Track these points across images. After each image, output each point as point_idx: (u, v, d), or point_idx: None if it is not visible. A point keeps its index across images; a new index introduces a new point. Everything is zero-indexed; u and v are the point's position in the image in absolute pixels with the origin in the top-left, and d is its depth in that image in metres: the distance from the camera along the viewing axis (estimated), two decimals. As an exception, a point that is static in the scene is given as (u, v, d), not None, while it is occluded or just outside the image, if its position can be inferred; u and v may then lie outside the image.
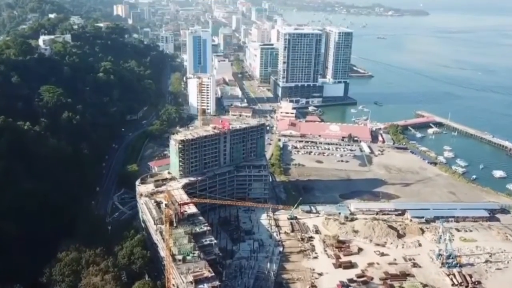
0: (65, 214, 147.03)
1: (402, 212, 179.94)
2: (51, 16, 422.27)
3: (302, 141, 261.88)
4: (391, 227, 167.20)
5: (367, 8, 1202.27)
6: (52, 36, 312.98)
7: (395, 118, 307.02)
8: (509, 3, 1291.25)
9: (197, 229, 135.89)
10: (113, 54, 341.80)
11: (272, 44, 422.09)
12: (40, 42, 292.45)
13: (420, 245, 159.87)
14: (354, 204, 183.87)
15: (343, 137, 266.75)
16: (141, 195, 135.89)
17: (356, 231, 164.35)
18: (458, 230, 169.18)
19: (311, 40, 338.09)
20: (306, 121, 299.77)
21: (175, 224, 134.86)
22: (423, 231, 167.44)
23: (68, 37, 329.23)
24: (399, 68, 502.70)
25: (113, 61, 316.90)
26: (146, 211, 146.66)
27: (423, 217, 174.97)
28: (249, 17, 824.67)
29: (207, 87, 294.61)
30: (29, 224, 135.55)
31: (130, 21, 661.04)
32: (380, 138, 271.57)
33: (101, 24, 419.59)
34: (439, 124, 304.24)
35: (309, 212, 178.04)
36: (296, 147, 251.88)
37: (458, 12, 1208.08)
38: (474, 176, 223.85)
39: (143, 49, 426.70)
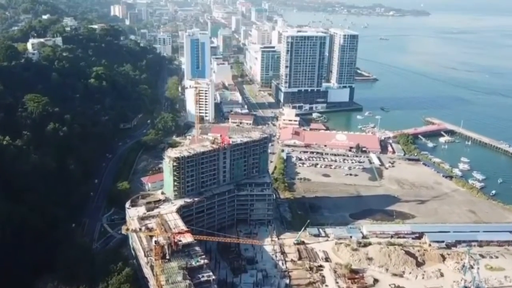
0: (45, 242, 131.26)
1: (420, 235, 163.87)
2: (44, 17, 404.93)
3: (306, 152, 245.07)
4: (408, 253, 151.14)
5: (367, 8, 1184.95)
6: (42, 39, 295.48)
7: (404, 125, 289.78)
8: (509, 3, 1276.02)
9: (193, 263, 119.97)
10: (107, 57, 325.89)
11: (273, 47, 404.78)
12: (29, 45, 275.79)
13: (442, 275, 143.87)
14: (366, 226, 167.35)
15: (351, 147, 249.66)
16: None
17: (370, 259, 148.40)
18: (482, 256, 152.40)
19: (314, 43, 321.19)
20: (310, 129, 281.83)
21: (167, 257, 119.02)
22: (444, 258, 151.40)
23: (59, 40, 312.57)
24: (404, 70, 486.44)
25: (106, 65, 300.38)
26: (136, 240, 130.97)
27: (443, 241, 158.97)
28: (248, 17, 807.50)
29: (205, 94, 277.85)
30: (1, 256, 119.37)
31: (127, 22, 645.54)
32: (389, 149, 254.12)
33: (95, 26, 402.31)
34: (450, 132, 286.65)
35: (318, 235, 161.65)
36: (300, 159, 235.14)
37: (459, 12, 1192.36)
38: (493, 192, 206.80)
39: (139, 52, 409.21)
